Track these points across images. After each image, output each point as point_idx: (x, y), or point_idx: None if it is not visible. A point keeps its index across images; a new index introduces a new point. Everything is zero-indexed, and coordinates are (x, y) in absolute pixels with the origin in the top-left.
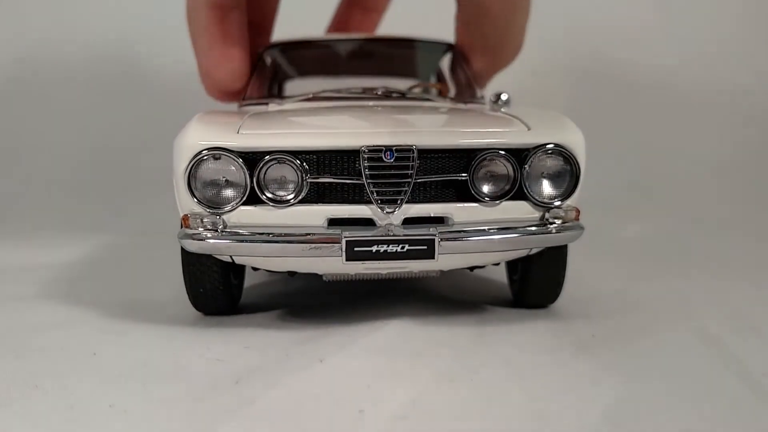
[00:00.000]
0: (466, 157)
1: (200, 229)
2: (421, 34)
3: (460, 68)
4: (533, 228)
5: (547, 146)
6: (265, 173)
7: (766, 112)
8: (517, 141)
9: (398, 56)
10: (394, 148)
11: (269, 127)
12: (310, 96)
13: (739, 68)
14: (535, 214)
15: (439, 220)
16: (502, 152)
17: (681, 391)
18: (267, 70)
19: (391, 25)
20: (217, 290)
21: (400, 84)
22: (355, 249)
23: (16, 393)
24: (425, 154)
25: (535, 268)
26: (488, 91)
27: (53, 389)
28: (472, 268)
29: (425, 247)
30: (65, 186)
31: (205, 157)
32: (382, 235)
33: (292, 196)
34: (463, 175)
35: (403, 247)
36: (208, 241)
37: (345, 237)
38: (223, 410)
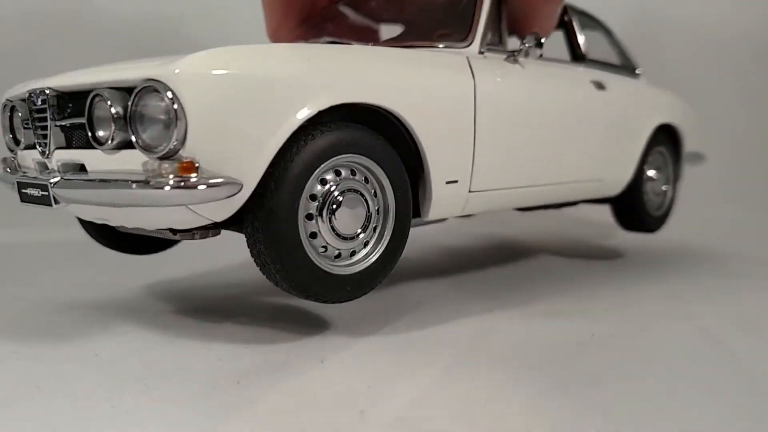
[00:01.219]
0: (86, 100)
1: None
2: None
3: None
4: (135, 183)
5: (145, 83)
6: (11, 118)
7: None
8: (118, 78)
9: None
10: (38, 91)
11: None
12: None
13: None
14: (152, 166)
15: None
16: (107, 92)
17: (681, 391)
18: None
19: None
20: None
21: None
22: (22, 191)
23: (18, 394)
24: (62, 97)
25: (254, 248)
26: None
27: (55, 390)
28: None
29: (46, 194)
30: None
31: None
32: (30, 179)
33: (21, 140)
34: (80, 119)
35: (38, 192)
36: None
37: (16, 179)
38: (225, 410)
